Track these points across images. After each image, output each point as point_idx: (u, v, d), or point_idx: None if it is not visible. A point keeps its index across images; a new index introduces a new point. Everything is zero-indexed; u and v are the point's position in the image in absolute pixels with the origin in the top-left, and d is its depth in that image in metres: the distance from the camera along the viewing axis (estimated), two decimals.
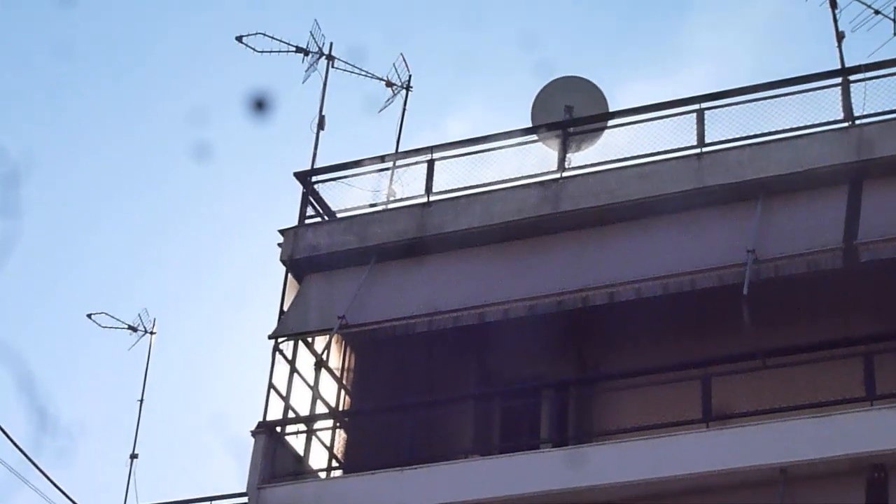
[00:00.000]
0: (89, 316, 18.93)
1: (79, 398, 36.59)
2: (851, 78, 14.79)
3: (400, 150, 16.94)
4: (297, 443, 15.20)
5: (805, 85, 14.97)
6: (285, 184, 16.66)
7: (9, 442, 13.55)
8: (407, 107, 17.81)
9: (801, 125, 14.75)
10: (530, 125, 16.55)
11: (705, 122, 15.04)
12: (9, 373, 14.47)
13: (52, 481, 12.04)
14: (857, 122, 14.51)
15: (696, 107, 15.13)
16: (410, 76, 17.70)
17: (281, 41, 17.16)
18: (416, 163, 16.31)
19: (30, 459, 11.76)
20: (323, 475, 15.25)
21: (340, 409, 15.73)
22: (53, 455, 15.12)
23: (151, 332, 19.16)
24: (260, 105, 15.40)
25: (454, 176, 16.07)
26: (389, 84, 17.44)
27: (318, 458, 15.34)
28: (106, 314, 18.91)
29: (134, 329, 18.98)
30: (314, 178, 16.55)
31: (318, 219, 16.48)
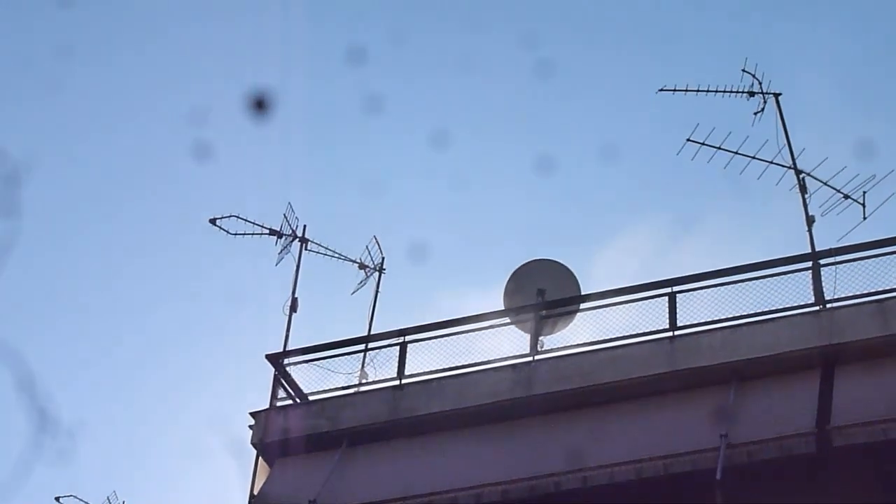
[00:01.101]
0: None
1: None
2: (822, 262, 14.85)
3: (373, 331, 16.93)
4: None
5: (776, 269, 15.03)
6: (257, 366, 16.62)
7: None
8: (380, 289, 17.86)
9: (773, 309, 14.78)
10: (503, 307, 16.61)
11: (677, 305, 15.08)
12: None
13: None
14: (828, 305, 14.51)
15: (668, 290, 15.17)
16: (383, 258, 17.79)
17: (255, 223, 17.26)
18: (389, 345, 16.29)
19: None
20: None
21: None
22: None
23: None
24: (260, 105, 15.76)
25: (428, 358, 16.02)
26: (363, 266, 17.51)
27: None
28: (74, 497, 18.68)
29: None
30: (286, 361, 16.50)
31: (290, 401, 16.38)
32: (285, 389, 16.39)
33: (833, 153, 17.07)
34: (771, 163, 15.94)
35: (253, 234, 17.22)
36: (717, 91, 16.08)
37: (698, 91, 16.11)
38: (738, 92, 16.00)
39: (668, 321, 15.05)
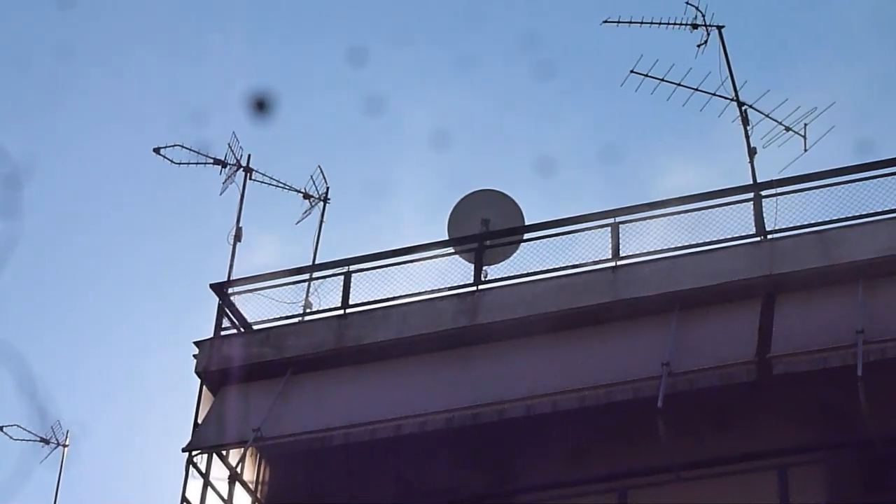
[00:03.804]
0: None
1: None
2: (763, 193, 14.94)
3: (317, 261, 16.94)
4: None
5: (718, 200, 15.13)
6: (201, 295, 16.59)
7: None
8: (324, 218, 17.85)
9: (715, 239, 14.89)
10: (446, 237, 16.68)
11: (620, 235, 15.13)
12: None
13: None
14: (770, 236, 14.64)
15: (612, 220, 15.21)
16: (328, 188, 17.81)
17: (199, 153, 17.18)
18: (333, 275, 16.30)
19: None
20: None
21: None
22: None
23: (64, 445, 19.03)
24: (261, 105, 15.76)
25: (371, 288, 16.06)
26: (307, 196, 17.53)
27: None
28: (18, 426, 18.77)
29: (46, 441, 18.82)
30: (230, 290, 16.49)
31: (234, 330, 16.40)
32: (229, 318, 16.40)
33: (776, 85, 17.14)
34: (713, 94, 16.06)
35: (197, 163, 17.14)
36: (660, 23, 16.11)
37: (642, 23, 16.15)
38: (681, 24, 16.01)
39: (610, 251, 15.11)
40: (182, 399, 16.00)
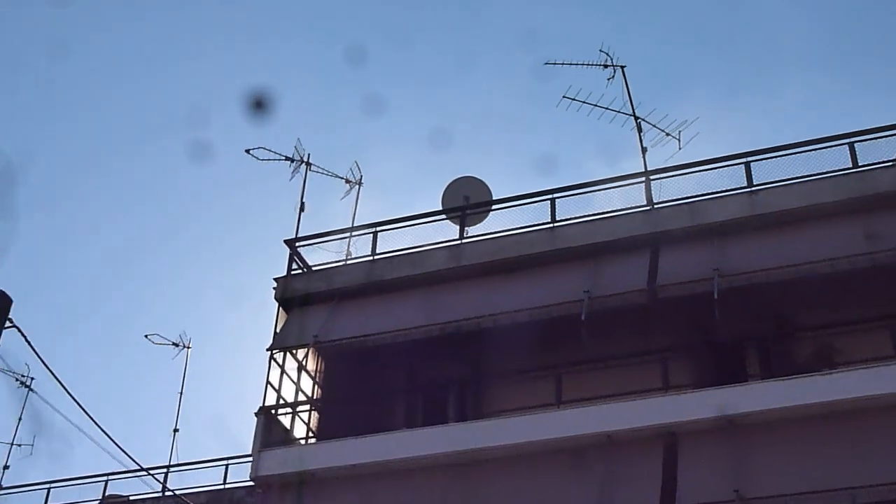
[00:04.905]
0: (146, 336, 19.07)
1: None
2: (652, 177, 15.11)
3: (355, 224, 16.93)
4: (285, 421, 15.16)
5: (621, 182, 15.29)
6: (278, 248, 16.62)
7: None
8: (359, 196, 17.72)
9: (619, 208, 15.06)
10: (440, 207, 16.73)
11: (556, 205, 15.27)
12: None
13: (108, 436, 11.45)
14: (656, 206, 14.80)
15: (550, 196, 15.34)
16: (362, 175, 17.71)
17: (276, 153, 17.13)
18: (365, 233, 16.33)
19: (88, 415, 10.96)
20: (303, 443, 15.17)
21: (315, 398, 15.68)
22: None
23: (188, 347, 19.25)
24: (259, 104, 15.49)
25: (391, 242, 16.11)
26: (348, 181, 17.47)
27: (299, 432, 15.29)
28: (158, 334, 19.00)
29: (176, 345, 19.04)
30: (298, 244, 16.50)
31: (299, 271, 16.38)
32: (297, 263, 16.37)
33: (661, 105, 17.24)
34: (618, 112, 16.18)
35: (274, 160, 17.17)
36: (583, 64, 16.17)
37: (574, 64, 16.21)
38: (598, 65, 16.13)
39: (549, 217, 15.27)
40: (266, 316, 16.10)
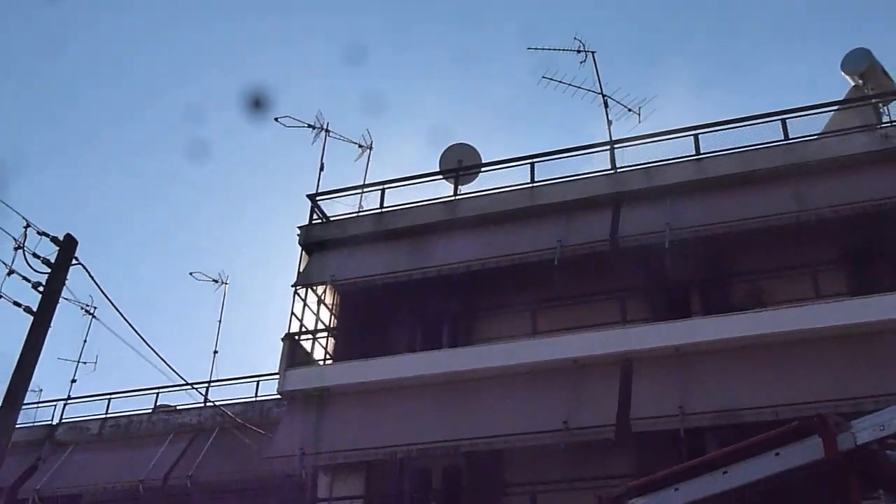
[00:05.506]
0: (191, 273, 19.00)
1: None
2: (616, 146, 14.94)
3: (366, 182, 16.78)
4: (307, 345, 15.13)
5: (592, 150, 15.17)
6: (301, 200, 16.46)
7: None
8: (370, 160, 17.37)
9: (587, 172, 14.91)
10: (437, 169, 16.52)
11: (536, 170, 15.10)
12: None
13: (159, 355, 11.50)
14: (618, 170, 14.69)
15: (531, 161, 15.14)
16: (372, 141, 17.39)
17: (300, 120, 16.92)
18: (374, 190, 16.21)
19: (142, 338, 11.01)
20: (321, 364, 15.12)
21: (332, 326, 15.63)
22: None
23: (225, 283, 19.19)
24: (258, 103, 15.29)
25: (397, 198, 15.97)
26: (360, 146, 17.20)
27: (318, 354, 15.27)
28: (201, 272, 18.92)
29: (216, 281, 18.97)
30: (318, 198, 16.36)
31: (320, 221, 16.25)
32: (317, 213, 16.26)
33: (626, 83, 17.02)
34: (588, 90, 15.96)
35: (299, 126, 16.92)
36: (562, 49, 15.97)
37: (554, 49, 15.99)
38: (575, 51, 15.88)
39: (529, 179, 15.13)
40: (291, 258, 16.00)
